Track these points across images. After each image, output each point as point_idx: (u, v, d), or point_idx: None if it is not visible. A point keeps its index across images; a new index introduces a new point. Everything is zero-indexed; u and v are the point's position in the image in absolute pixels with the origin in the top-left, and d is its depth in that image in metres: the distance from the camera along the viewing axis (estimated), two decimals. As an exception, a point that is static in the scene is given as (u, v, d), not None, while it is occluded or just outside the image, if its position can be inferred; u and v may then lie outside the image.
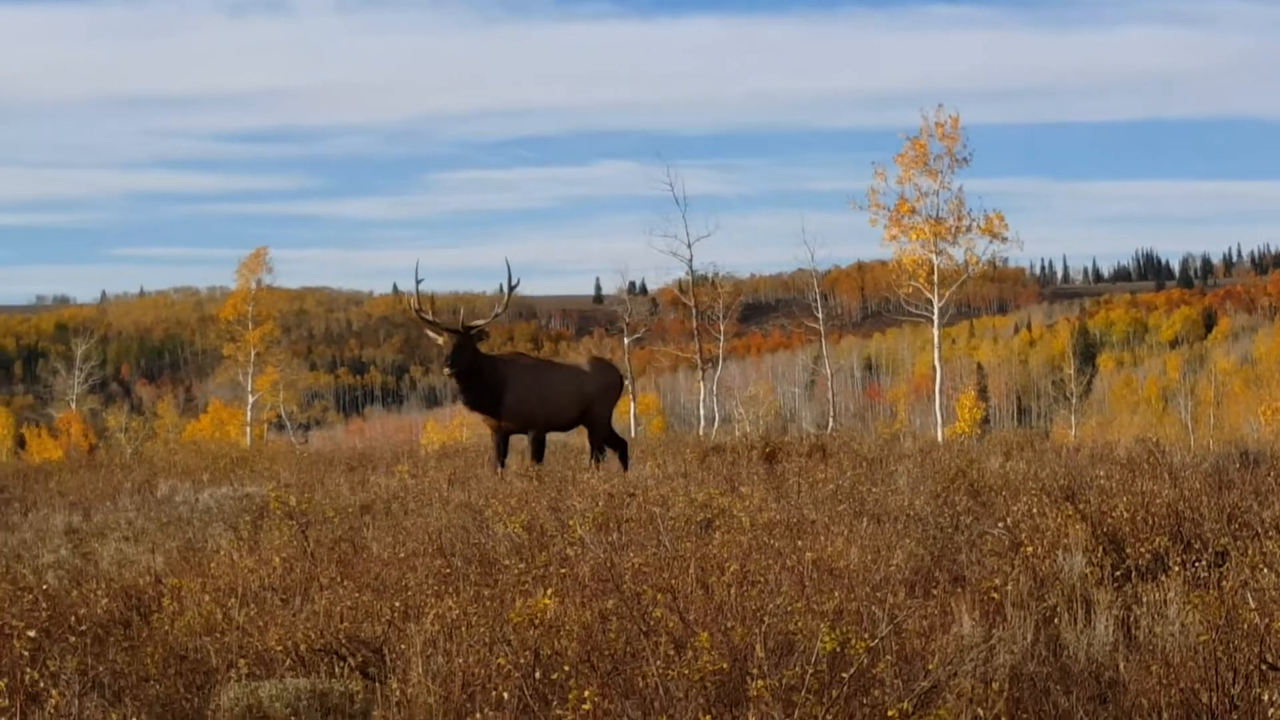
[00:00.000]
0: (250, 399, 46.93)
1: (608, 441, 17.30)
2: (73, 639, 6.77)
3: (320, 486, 15.06)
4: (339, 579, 8.44)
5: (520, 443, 17.30)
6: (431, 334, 16.27)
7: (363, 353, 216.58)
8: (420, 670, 6.20)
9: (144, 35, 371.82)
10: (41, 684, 6.06)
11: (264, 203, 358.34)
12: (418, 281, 16.70)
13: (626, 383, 20.03)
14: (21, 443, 56.35)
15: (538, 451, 16.59)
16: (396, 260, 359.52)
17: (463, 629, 6.79)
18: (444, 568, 8.63)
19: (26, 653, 6.41)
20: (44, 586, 8.24)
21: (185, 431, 55.21)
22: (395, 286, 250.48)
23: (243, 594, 8.15)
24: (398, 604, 7.50)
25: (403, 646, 6.63)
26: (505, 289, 17.31)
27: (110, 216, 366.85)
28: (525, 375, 16.73)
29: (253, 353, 46.29)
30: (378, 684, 6.51)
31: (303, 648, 6.91)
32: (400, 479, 15.21)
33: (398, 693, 6.17)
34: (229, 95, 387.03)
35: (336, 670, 6.78)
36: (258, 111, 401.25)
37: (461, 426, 55.56)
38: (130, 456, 27.54)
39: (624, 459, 17.10)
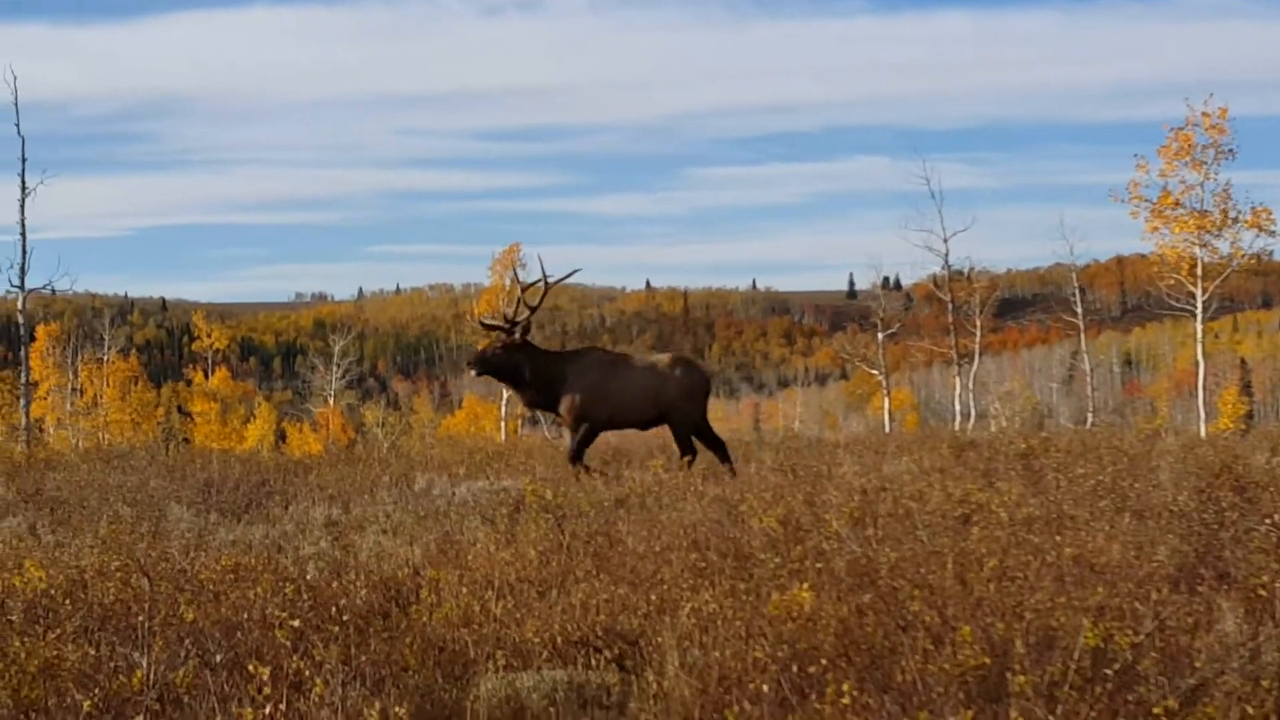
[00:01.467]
0: (505, 394, 47.93)
1: (709, 443, 17.27)
2: (334, 629, 7.05)
3: (575, 480, 15.34)
4: (594, 572, 8.59)
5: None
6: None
7: (616, 349, 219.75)
8: (676, 663, 6.29)
9: (400, 35, 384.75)
10: (305, 673, 6.34)
11: (518, 199, 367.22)
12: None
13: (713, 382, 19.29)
14: (282, 437, 58.92)
15: (580, 449, 16.60)
16: (649, 256, 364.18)
17: (718, 622, 6.86)
18: (699, 561, 8.70)
19: (289, 642, 6.70)
20: (305, 578, 8.61)
21: (441, 426, 56.88)
22: (648, 283, 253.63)
23: (499, 586, 8.37)
24: (653, 597, 7.60)
25: (659, 639, 6.73)
26: (543, 285, 17.22)
27: (367, 215, 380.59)
28: (590, 372, 16.81)
29: (507, 349, 47.22)
30: (634, 676, 6.62)
31: (559, 640, 7.08)
32: (654, 473, 15.39)
33: (654, 685, 6.26)
34: (483, 94, 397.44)
35: (593, 662, 6.91)
36: (511, 109, 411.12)
37: (714, 422, 55.73)
38: (387, 451, 28.48)
39: (725, 459, 16.98)
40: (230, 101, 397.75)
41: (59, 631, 7.10)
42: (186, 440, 44.88)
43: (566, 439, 17.37)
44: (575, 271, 18.11)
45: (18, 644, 6.68)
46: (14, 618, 7.55)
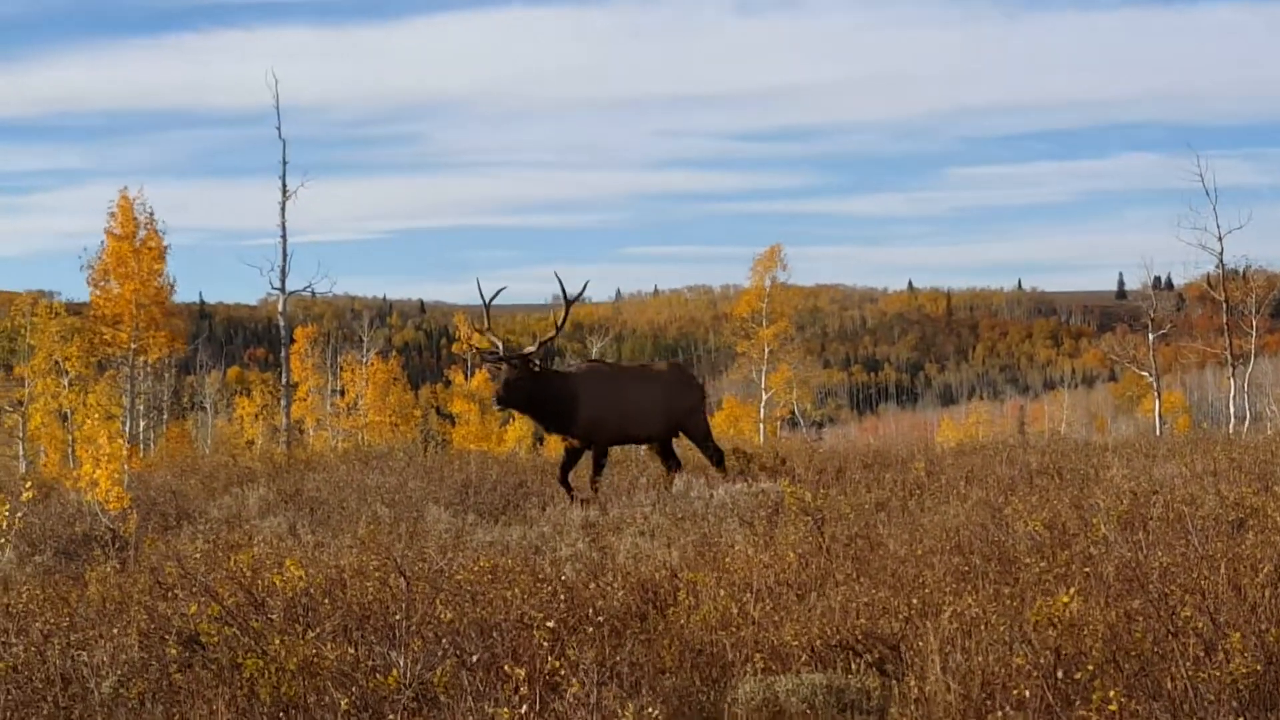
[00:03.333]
0: (763, 396, 48.07)
1: (667, 453, 17.00)
2: (590, 630, 7.16)
3: (835, 483, 15.28)
4: (854, 575, 8.57)
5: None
6: (489, 369, 16.45)
7: (876, 350, 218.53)
8: (938, 668, 6.23)
9: (656, 36, 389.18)
10: (561, 673, 6.46)
11: (776, 200, 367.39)
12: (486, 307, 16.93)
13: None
14: (539, 439, 60.03)
15: (597, 470, 16.21)
16: (910, 257, 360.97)
17: (981, 627, 6.80)
18: (962, 565, 8.61)
19: (546, 643, 6.83)
20: (562, 579, 8.77)
21: (700, 428, 57.15)
22: (910, 283, 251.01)
23: (758, 589, 8.39)
24: (915, 601, 7.55)
25: (920, 644, 6.68)
26: (563, 306, 16.90)
27: (625, 216, 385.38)
28: (600, 387, 16.53)
29: (766, 350, 47.42)
30: (894, 681, 6.58)
31: (818, 643, 7.07)
32: (916, 476, 15.22)
33: (915, 690, 6.22)
34: (740, 94, 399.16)
35: (852, 666, 6.90)
36: (768, 109, 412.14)
37: (977, 424, 54.85)
38: (645, 452, 28.75)
39: (673, 469, 16.72)
40: (488, 103, 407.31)
41: (318, 630, 7.38)
42: (445, 441, 46.07)
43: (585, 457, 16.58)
44: (584, 287, 17.43)
45: (278, 642, 6.97)
46: (274, 616, 7.88)
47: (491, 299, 16.98)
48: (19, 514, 13.41)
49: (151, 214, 33.59)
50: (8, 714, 7.12)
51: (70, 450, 40.11)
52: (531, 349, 16.28)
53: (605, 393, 16.42)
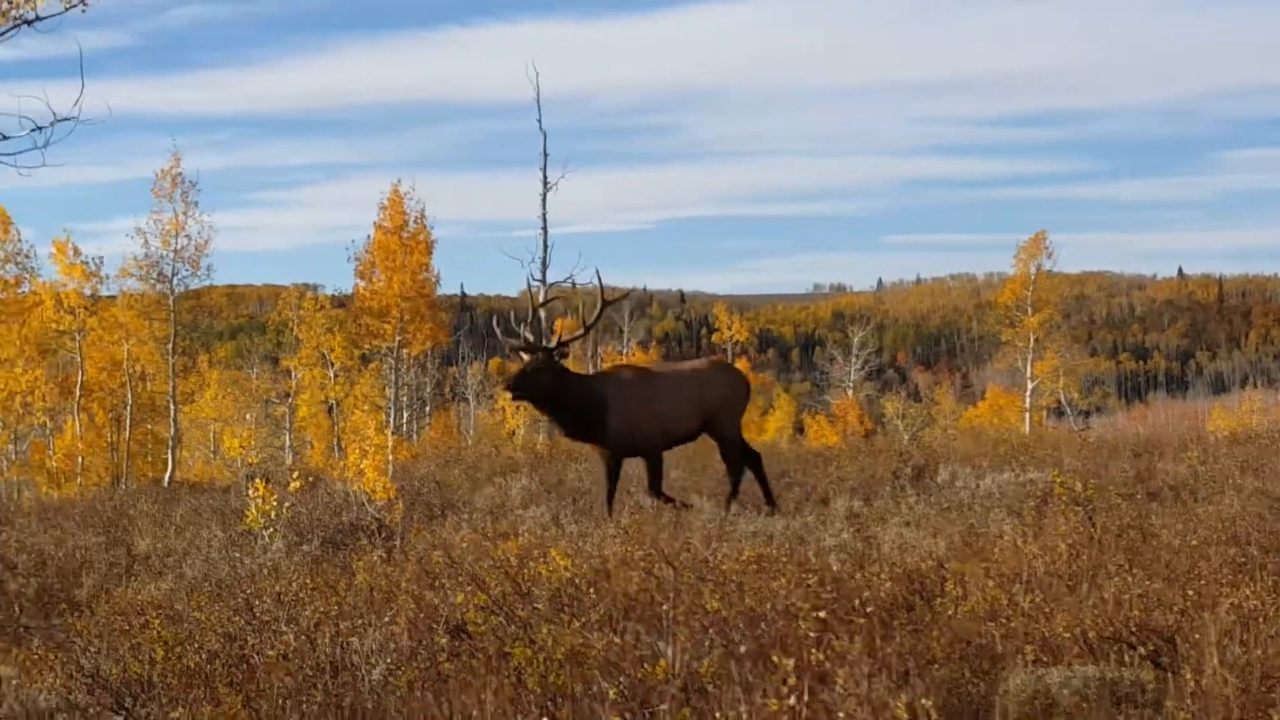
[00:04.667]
0: (1029, 385, 47.33)
1: (741, 454, 15.93)
2: (858, 621, 7.14)
3: (1104, 473, 14.93)
4: (1127, 566, 8.38)
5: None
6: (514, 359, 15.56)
7: (1145, 338, 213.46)
8: (1216, 661, 6.07)
9: (910, 21, 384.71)
10: (828, 664, 6.45)
11: (1038, 186, 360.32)
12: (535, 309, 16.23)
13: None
14: (800, 428, 60.03)
15: (655, 478, 15.36)
16: (1178, 242, 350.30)
17: (1260, 620, 6.61)
18: (1238, 556, 8.37)
19: (813, 634, 6.83)
20: (828, 569, 8.76)
21: (963, 418, 56.47)
22: (1180, 270, 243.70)
23: (1027, 580, 8.27)
24: (1190, 593, 7.36)
25: (1196, 636, 6.52)
26: (598, 303, 16.22)
27: (884, 204, 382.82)
28: (628, 389, 15.65)
29: (1031, 339, 46.68)
30: (1169, 674, 6.43)
31: (1090, 635, 6.95)
32: (1189, 465, 14.79)
33: (1192, 683, 6.07)
34: (998, 79, 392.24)
35: (1125, 659, 6.77)
36: (1026, 94, 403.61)
37: (1251, 413, 52.96)
38: (908, 443, 28.52)
39: (758, 474, 15.64)
40: (745, 92, 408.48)
41: (584, 620, 7.51)
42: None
43: (604, 468, 15.64)
44: (631, 292, 17.29)
45: (545, 631, 7.12)
46: (540, 606, 8.04)
47: (546, 301, 16.97)
48: (287, 504, 13.97)
49: (422, 208, 34.62)
50: (281, 701, 7.41)
51: (335, 441, 41.56)
52: (567, 340, 15.82)
53: (636, 395, 15.66)
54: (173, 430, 36.82)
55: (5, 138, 14.40)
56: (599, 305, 16.20)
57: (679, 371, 16.50)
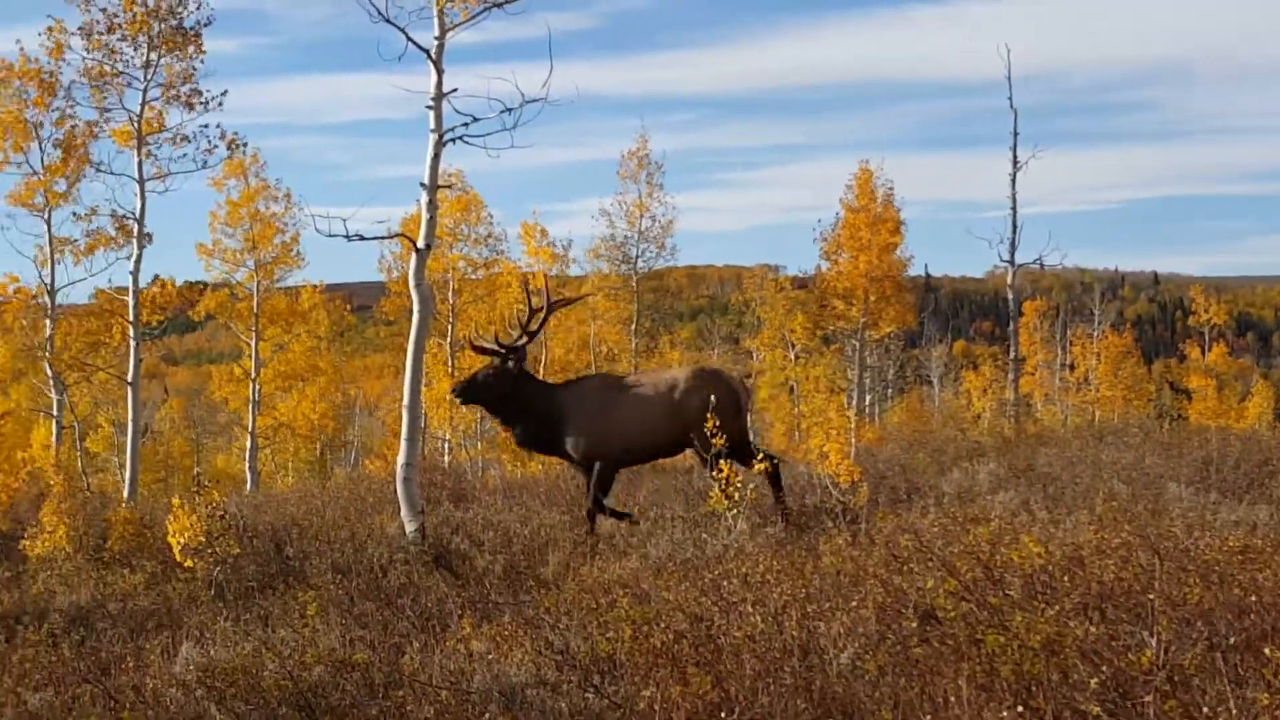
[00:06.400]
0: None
1: (742, 461, 14.91)
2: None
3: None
4: None
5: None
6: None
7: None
8: None
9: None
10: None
11: None
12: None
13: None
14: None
15: (601, 491, 14.93)
16: None
17: None
18: None
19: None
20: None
21: None
22: None
23: None
24: None
25: None
26: (545, 308, 15.70)
27: None
28: (589, 400, 15.16)
29: None
30: None
31: None
32: None
33: None
34: None
35: None
36: None
37: None
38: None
39: (774, 483, 14.88)
40: (1230, 67, 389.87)
41: (1058, 608, 7.38)
42: (1180, 417, 44.69)
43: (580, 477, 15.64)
44: (582, 298, 16.12)
45: (1019, 619, 7.03)
46: (1012, 593, 7.95)
47: (569, 303, 17.47)
48: (751, 485, 14.23)
49: (890, 188, 34.65)
50: (749, 682, 7.56)
51: (796, 423, 42.02)
52: (518, 344, 15.59)
53: (597, 408, 15.33)
54: (635, 411, 37.97)
55: (475, 119, 15.25)
56: (545, 308, 15.96)
57: (652, 382, 15.83)
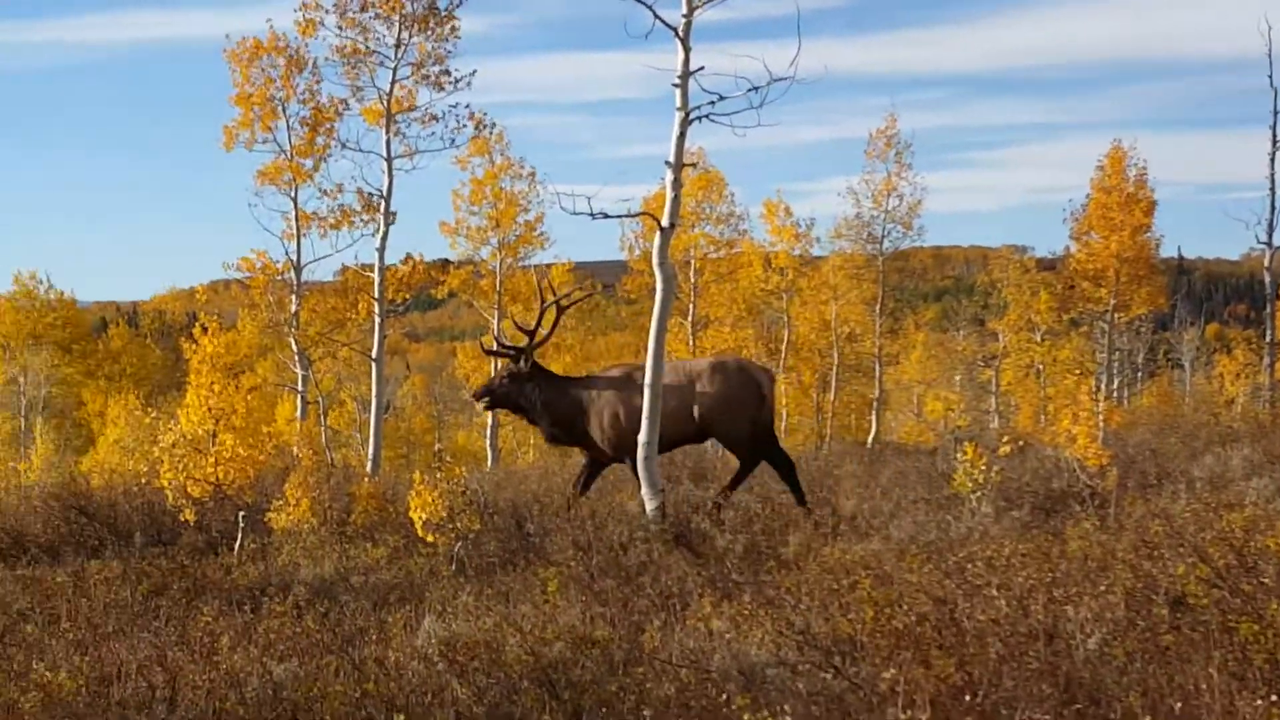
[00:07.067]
0: None
1: (773, 461, 15.20)
2: None
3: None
4: None
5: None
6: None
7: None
8: None
9: None
10: None
11: None
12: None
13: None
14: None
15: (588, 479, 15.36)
16: None
17: None
18: None
19: None
20: None
21: None
22: None
23: None
24: None
25: None
26: (555, 309, 16.01)
27: None
28: (608, 391, 15.20)
29: None
30: None
31: None
32: None
33: None
34: None
35: None
36: None
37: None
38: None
39: (791, 484, 15.08)
40: None
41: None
42: None
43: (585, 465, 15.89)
44: (591, 294, 16.46)
45: (1273, 607, 6.88)
46: (1267, 580, 7.75)
47: (577, 303, 17.63)
48: (996, 468, 14.07)
49: (1142, 168, 33.86)
50: (996, 666, 7.51)
51: (1042, 405, 41.31)
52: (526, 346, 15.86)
53: (616, 397, 15.46)
54: (877, 392, 37.85)
55: (722, 97, 15.30)
56: (555, 310, 16.33)
57: (674, 373, 15.85)
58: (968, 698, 7.05)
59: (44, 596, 12.31)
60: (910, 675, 7.28)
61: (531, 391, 15.88)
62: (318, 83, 27.31)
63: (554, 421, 15.85)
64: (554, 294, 16.79)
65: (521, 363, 15.99)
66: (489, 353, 16.05)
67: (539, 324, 16.51)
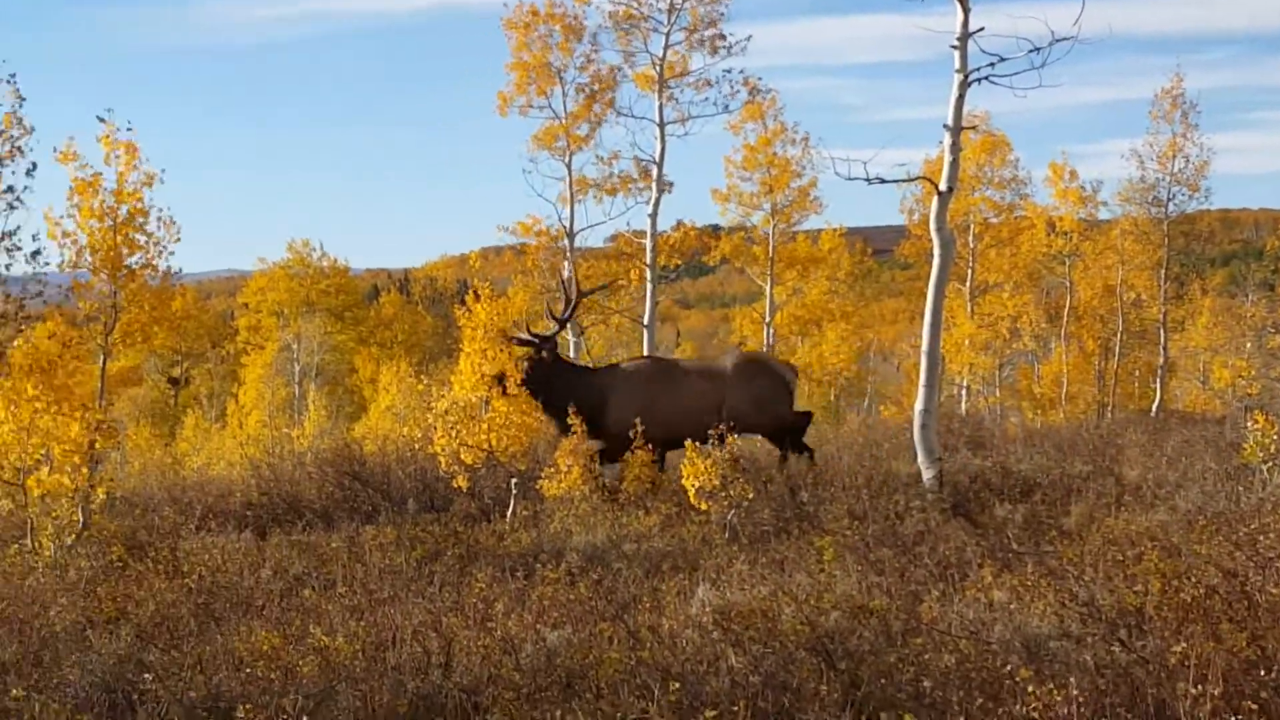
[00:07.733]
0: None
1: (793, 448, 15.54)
2: None
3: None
4: None
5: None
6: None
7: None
8: None
9: None
10: None
11: None
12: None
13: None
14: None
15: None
16: None
17: None
18: None
19: None
20: None
21: None
22: None
23: None
24: None
25: None
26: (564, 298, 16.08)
27: None
28: (633, 383, 15.47)
29: None
30: None
31: None
32: None
33: None
34: None
35: None
36: None
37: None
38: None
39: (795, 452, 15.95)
40: None
41: None
42: None
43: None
44: (606, 285, 18.28)
45: None
46: None
47: (593, 292, 18.36)
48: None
49: None
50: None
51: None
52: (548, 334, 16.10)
53: (640, 392, 15.62)
54: (1162, 359, 36.80)
55: (1002, 59, 15.05)
56: (574, 298, 16.68)
57: (697, 368, 16.32)
58: (1261, 672, 6.88)
59: (320, 562, 12.67)
60: (1200, 649, 7.12)
61: (554, 379, 16.17)
62: (595, 50, 27.55)
63: (575, 410, 15.75)
64: (577, 286, 17.16)
65: (544, 352, 16.28)
66: (513, 342, 16.02)
67: (572, 312, 17.05)
